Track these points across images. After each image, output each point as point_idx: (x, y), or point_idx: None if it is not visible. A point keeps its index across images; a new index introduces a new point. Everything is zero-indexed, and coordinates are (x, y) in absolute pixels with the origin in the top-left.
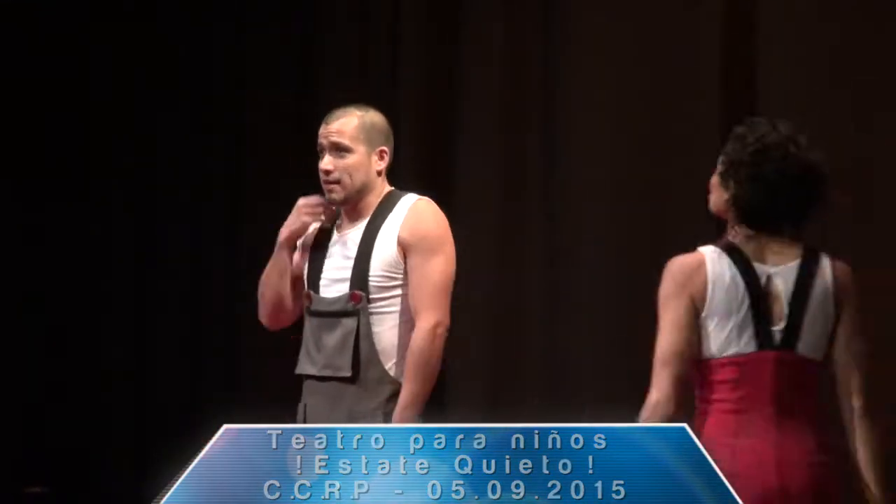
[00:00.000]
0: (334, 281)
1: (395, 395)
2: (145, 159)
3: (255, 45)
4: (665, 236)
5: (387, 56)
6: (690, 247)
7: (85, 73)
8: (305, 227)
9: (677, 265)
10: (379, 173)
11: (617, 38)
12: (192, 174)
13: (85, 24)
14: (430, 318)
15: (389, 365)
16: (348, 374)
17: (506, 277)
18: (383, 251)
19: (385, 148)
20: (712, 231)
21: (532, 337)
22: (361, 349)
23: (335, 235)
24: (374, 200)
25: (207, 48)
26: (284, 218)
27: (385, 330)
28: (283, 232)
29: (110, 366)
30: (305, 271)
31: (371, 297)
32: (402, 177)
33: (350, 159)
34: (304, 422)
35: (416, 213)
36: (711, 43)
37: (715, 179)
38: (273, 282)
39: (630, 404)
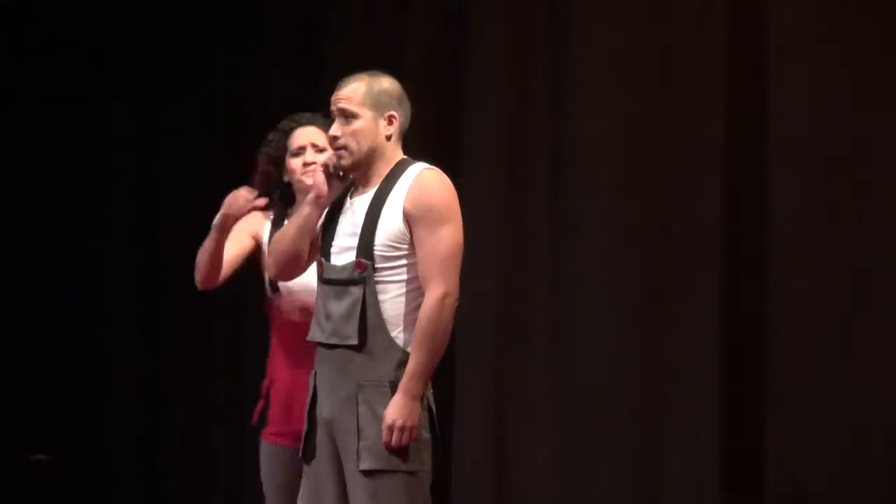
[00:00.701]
0: (343, 249)
1: (402, 363)
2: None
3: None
4: (669, 226)
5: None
6: (696, 228)
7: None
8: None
9: None
10: (388, 138)
11: (623, 22)
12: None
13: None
14: (438, 289)
15: (396, 333)
16: (355, 342)
17: (511, 266)
18: (388, 222)
19: (394, 113)
20: (715, 217)
21: (540, 334)
22: (368, 317)
23: (347, 203)
24: (384, 168)
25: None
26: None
27: (391, 298)
28: (312, 195)
29: (117, 335)
30: (320, 239)
31: (377, 266)
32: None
33: (356, 125)
34: (314, 390)
35: (420, 183)
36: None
37: None
38: (291, 234)
39: (637, 374)
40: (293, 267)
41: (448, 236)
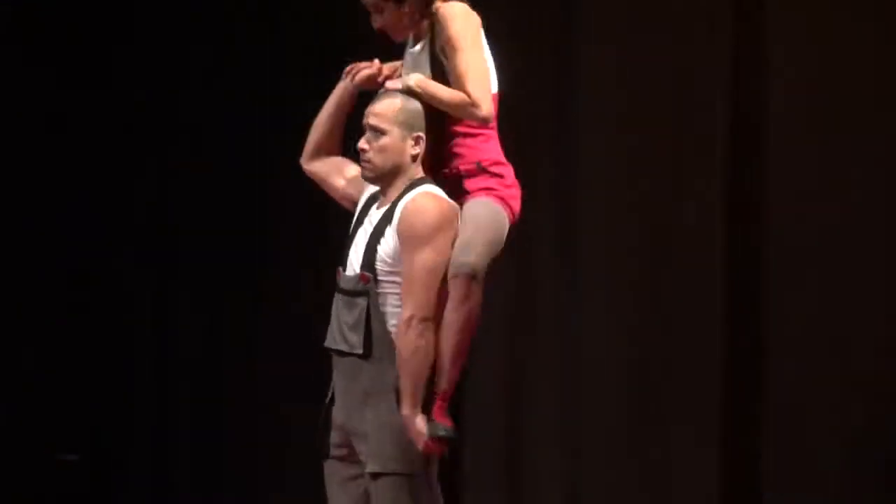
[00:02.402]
0: (355, 260)
1: None
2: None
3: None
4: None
5: None
6: (698, 225)
7: None
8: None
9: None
10: (413, 158)
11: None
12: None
13: None
14: (406, 312)
15: None
16: (360, 351)
17: (520, 263)
18: (388, 240)
19: (422, 135)
20: (717, 215)
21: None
22: (373, 328)
23: (368, 213)
24: (401, 185)
25: None
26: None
27: (394, 309)
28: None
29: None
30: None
31: (378, 278)
32: None
33: (382, 140)
34: (332, 396)
35: (408, 206)
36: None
37: None
38: (321, 120)
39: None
40: (324, 148)
41: (422, 260)
